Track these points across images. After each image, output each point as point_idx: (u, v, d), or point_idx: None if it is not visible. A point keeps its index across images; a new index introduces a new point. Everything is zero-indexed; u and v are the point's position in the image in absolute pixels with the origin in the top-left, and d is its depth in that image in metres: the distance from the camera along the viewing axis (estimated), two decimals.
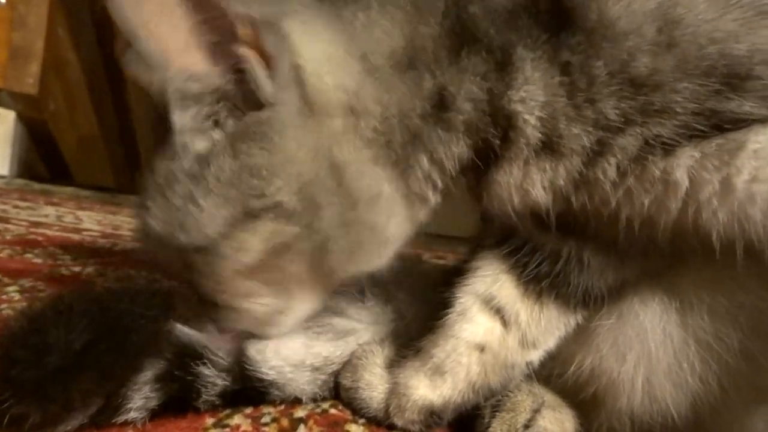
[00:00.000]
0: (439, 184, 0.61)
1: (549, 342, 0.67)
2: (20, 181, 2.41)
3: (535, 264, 0.64)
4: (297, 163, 0.58)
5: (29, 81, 2.27)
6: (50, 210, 1.79)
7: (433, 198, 0.63)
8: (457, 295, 0.67)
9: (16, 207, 1.74)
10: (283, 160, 0.57)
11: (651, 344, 0.63)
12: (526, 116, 0.54)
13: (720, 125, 0.50)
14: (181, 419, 0.62)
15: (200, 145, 0.58)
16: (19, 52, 2.26)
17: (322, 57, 0.57)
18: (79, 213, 1.80)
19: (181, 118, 0.57)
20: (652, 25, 0.50)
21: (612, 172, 0.54)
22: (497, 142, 0.57)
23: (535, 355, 0.67)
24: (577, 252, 0.63)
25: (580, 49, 0.52)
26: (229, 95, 0.58)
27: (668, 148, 0.52)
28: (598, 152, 0.54)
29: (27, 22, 2.26)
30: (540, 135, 0.55)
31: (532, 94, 0.54)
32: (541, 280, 0.64)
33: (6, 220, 1.52)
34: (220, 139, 0.58)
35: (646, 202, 0.54)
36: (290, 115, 0.57)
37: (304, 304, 0.69)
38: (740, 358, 0.61)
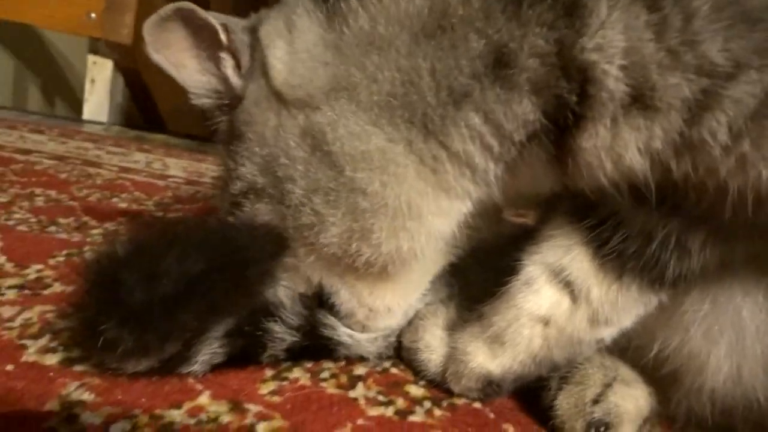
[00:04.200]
0: (496, 148, 0.55)
1: (624, 321, 0.61)
2: (117, 128, 2.53)
3: (619, 241, 0.57)
4: (266, 144, 0.63)
5: (124, 31, 2.34)
6: (140, 156, 1.86)
7: (491, 166, 0.56)
8: (524, 262, 0.62)
9: (109, 153, 1.83)
10: (254, 143, 0.64)
11: (747, 334, 0.57)
12: (605, 66, 0.47)
13: None
14: (240, 370, 0.63)
15: None
16: (114, 3, 2.33)
17: (296, 49, 0.60)
18: (167, 160, 1.87)
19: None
20: None
21: (723, 134, 0.45)
22: (574, 98, 0.49)
23: (607, 333, 0.62)
24: (678, 235, 0.54)
25: None
26: (222, 97, 0.67)
27: None
28: (703, 106, 0.45)
29: None
30: (626, 87, 0.47)
31: (610, 40, 0.46)
32: (626, 260, 0.57)
33: (99, 165, 1.61)
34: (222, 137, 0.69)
35: (765, 173, 0.45)
36: (256, 102, 0.64)
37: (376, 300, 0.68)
38: None
